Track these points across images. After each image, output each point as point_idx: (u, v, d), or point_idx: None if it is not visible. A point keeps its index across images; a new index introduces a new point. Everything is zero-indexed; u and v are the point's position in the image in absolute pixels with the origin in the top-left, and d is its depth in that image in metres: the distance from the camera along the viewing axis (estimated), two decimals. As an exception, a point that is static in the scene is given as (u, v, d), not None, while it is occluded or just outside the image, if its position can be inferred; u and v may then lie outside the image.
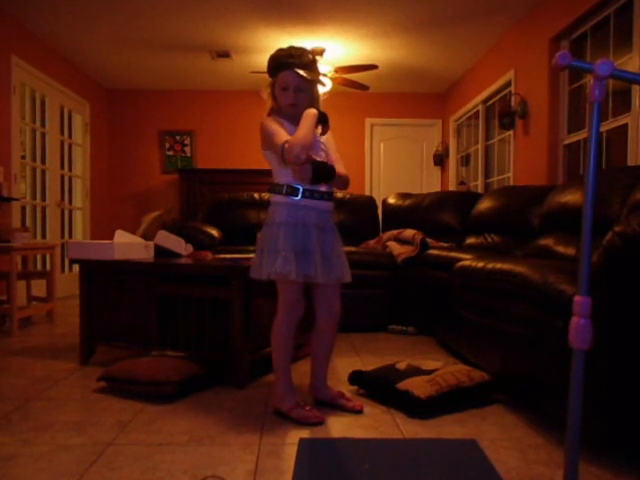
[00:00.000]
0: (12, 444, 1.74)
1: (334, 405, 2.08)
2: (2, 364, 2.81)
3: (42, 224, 5.50)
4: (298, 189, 1.93)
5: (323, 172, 1.91)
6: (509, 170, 5.15)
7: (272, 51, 2.00)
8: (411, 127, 7.24)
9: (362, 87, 5.71)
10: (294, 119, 1.96)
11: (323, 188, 1.97)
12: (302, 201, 1.93)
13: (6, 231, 3.91)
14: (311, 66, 1.95)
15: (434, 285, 3.27)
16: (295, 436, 1.81)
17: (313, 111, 1.93)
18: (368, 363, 2.75)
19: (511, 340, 2.08)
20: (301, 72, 1.90)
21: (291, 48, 1.96)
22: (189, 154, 7.08)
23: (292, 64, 1.90)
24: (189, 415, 2.02)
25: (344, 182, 2.06)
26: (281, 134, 1.90)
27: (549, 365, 1.77)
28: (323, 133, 2.01)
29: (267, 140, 1.94)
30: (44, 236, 5.50)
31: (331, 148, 2.07)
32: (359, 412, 2.04)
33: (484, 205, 3.96)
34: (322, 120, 1.97)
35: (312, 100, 1.99)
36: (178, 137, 7.06)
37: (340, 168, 2.03)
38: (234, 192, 5.06)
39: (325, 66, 5.35)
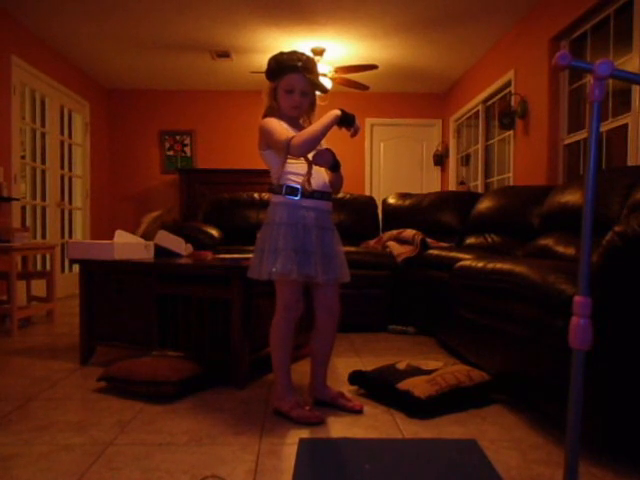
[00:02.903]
0: (12, 444, 1.74)
1: (334, 405, 2.08)
2: (2, 364, 2.81)
3: (42, 224, 5.50)
4: (297, 189, 1.94)
5: (349, 119, 1.94)
6: (509, 170, 5.15)
7: (272, 51, 2.02)
8: (411, 127, 7.24)
9: (362, 87, 5.71)
10: (293, 121, 1.99)
11: (322, 188, 1.99)
12: (302, 201, 1.94)
13: (6, 231, 3.91)
14: (316, 72, 2.01)
15: (434, 285, 3.27)
16: (295, 436, 1.81)
17: (335, 112, 1.92)
18: (368, 363, 2.75)
19: (511, 340, 2.08)
20: (311, 77, 1.95)
21: (297, 52, 1.99)
22: (189, 154, 7.08)
23: (301, 68, 1.94)
24: (189, 415, 2.02)
25: (342, 183, 2.08)
26: (285, 130, 1.91)
27: (549, 365, 1.77)
28: (353, 135, 1.99)
29: (268, 138, 1.95)
30: (44, 236, 5.50)
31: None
32: (359, 412, 2.04)
33: (484, 205, 3.97)
34: (348, 121, 1.95)
35: (312, 105, 2.04)
36: (178, 137, 7.06)
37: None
38: (234, 192, 5.05)
39: (325, 66, 5.35)
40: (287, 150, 1.87)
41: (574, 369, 1.13)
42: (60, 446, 1.73)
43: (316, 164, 1.95)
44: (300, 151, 1.87)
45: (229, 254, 3.32)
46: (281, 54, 1.99)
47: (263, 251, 1.93)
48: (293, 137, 1.86)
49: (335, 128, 1.94)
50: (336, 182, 2.06)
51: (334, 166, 1.97)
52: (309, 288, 2.06)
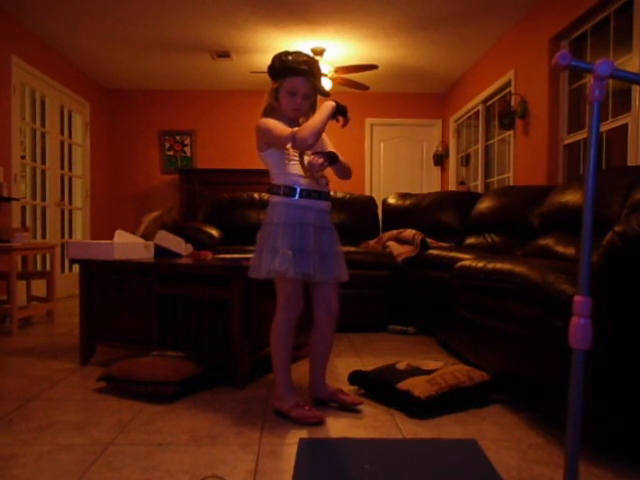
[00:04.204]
0: (12, 444, 1.74)
1: (333, 401, 2.09)
2: (2, 364, 2.81)
3: (42, 224, 5.50)
4: (295, 189, 1.95)
5: (342, 110, 1.97)
6: (509, 170, 5.15)
7: (272, 51, 2.03)
8: (411, 127, 7.24)
9: (362, 87, 5.71)
10: (293, 123, 2.00)
11: (320, 188, 1.99)
12: (299, 201, 1.95)
13: (6, 231, 3.91)
14: (320, 75, 2.03)
15: (434, 285, 3.26)
16: (295, 436, 1.81)
17: (331, 103, 1.95)
18: (368, 363, 2.75)
19: (511, 340, 2.08)
20: (315, 81, 1.96)
21: (302, 54, 1.99)
22: (189, 154, 7.08)
23: (305, 71, 1.94)
24: (189, 415, 2.02)
25: (348, 169, 2.10)
26: (284, 127, 1.92)
27: (549, 365, 1.77)
28: (344, 125, 2.02)
29: (269, 135, 1.95)
30: (44, 236, 5.50)
31: (328, 144, 2.11)
32: (359, 406, 2.07)
33: (484, 205, 3.96)
34: (342, 112, 1.98)
35: (312, 107, 2.04)
36: (178, 137, 7.06)
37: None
38: (234, 192, 5.05)
39: (325, 66, 5.35)
40: (293, 143, 1.88)
41: (574, 369, 1.13)
42: (60, 446, 1.73)
43: (314, 175, 1.95)
44: (307, 143, 1.87)
45: (229, 254, 3.32)
46: (286, 54, 1.98)
47: (262, 251, 1.95)
48: (298, 130, 1.88)
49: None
50: (341, 171, 2.08)
51: (331, 161, 1.96)
52: (308, 288, 2.06)
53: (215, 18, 4.73)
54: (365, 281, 3.73)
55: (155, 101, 7.04)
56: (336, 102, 1.96)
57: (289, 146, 1.94)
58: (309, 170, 1.95)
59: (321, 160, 1.92)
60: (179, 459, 1.63)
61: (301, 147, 1.91)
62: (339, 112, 1.97)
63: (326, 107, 1.94)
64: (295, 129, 1.89)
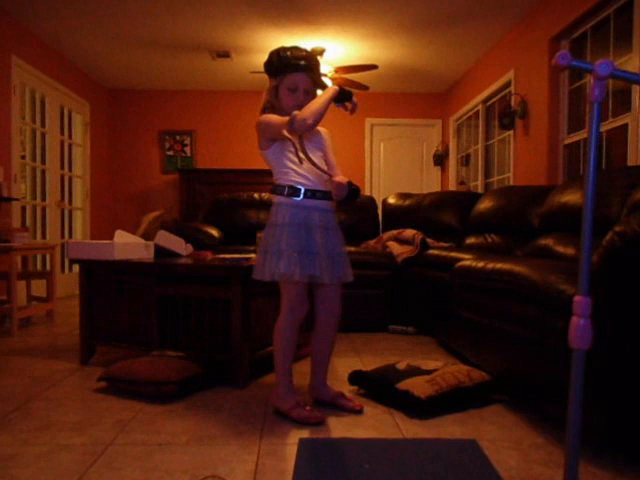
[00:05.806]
0: (12, 444, 1.74)
1: (334, 405, 2.08)
2: (2, 364, 2.81)
3: (42, 224, 5.50)
4: (300, 189, 1.93)
5: (356, 195, 1.92)
6: (509, 170, 5.15)
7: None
8: (411, 127, 7.24)
9: (362, 87, 5.71)
10: None
11: (324, 187, 1.98)
12: (304, 201, 1.93)
13: (6, 231, 3.91)
14: (319, 69, 1.99)
15: (434, 285, 3.27)
16: (295, 436, 1.81)
17: (335, 87, 1.92)
18: (368, 363, 2.75)
19: (511, 340, 2.08)
20: (314, 76, 1.94)
21: (300, 49, 1.96)
22: (189, 154, 7.08)
23: (304, 67, 1.92)
24: (189, 415, 2.02)
25: None
26: (284, 117, 1.89)
27: (549, 365, 1.77)
28: (352, 111, 1.98)
29: (269, 128, 1.93)
30: (44, 236, 5.50)
31: (329, 150, 2.09)
32: (359, 412, 2.04)
33: (484, 205, 3.96)
34: (347, 97, 1.94)
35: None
36: (178, 137, 7.06)
37: (339, 173, 2.04)
38: (234, 192, 5.05)
39: (325, 66, 5.35)
40: (292, 126, 1.82)
41: (574, 369, 1.13)
42: (60, 446, 1.73)
43: (339, 199, 1.93)
44: (306, 123, 1.81)
45: (229, 254, 3.32)
46: (284, 50, 1.95)
47: (266, 252, 1.93)
48: (298, 112, 1.83)
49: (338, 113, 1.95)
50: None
51: (349, 199, 1.92)
52: (311, 288, 2.06)
53: (215, 18, 4.73)
54: (365, 281, 3.73)
55: (155, 101, 7.04)
56: (340, 87, 1.93)
57: (285, 133, 1.86)
58: (336, 193, 1.90)
59: (345, 185, 1.89)
60: (179, 459, 1.63)
61: (300, 128, 1.83)
62: (343, 97, 1.93)
63: (328, 91, 1.89)
64: (295, 112, 1.84)
